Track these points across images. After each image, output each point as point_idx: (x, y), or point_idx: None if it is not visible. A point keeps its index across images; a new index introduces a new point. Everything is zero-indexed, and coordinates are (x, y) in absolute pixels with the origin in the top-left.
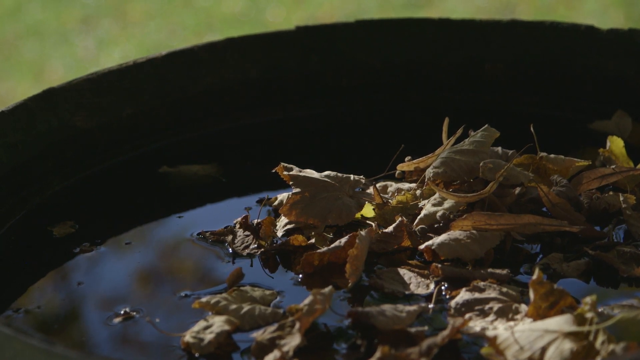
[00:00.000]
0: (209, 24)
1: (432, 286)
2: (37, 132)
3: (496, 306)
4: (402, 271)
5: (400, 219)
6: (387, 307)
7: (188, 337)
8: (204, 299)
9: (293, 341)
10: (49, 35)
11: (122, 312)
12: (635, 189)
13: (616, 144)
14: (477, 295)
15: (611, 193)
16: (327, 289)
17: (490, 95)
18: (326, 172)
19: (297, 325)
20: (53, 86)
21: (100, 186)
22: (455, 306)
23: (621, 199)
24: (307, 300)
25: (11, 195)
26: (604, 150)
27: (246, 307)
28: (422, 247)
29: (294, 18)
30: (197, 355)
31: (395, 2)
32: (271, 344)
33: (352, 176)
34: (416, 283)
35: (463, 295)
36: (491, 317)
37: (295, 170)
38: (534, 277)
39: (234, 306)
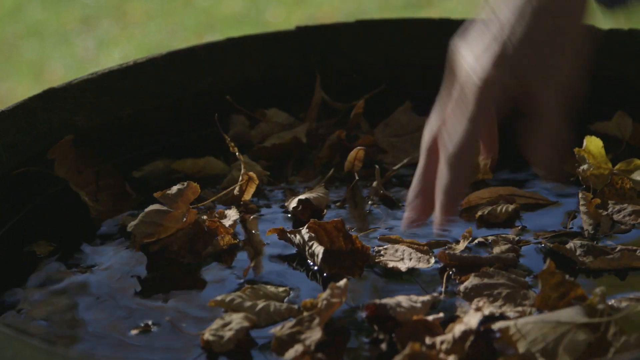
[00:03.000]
0: (209, 24)
1: (432, 261)
2: (37, 132)
3: (505, 292)
4: (402, 247)
5: None
6: (401, 299)
7: (207, 335)
8: (218, 297)
9: (314, 335)
10: (49, 35)
11: (142, 324)
12: (605, 189)
13: (594, 144)
14: (486, 280)
15: (508, 206)
16: (342, 282)
17: None
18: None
19: (317, 319)
20: (53, 86)
21: None
22: (464, 290)
23: (580, 195)
24: (324, 295)
25: (11, 195)
26: (580, 149)
27: (261, 304)
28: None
29: (294, 18)
30: (217, 352)
31: (395, 2)
32: (291, 339)
33: None
34: (417, 258)
35: (472, 280)
36: (500, 302)
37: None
38: (545, 267)
39: (249, 303)
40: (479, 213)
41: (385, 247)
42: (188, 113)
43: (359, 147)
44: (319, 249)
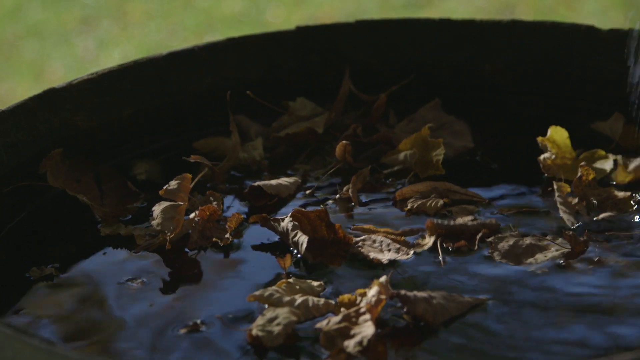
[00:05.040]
0: (209, 24)
1: (411, 252)
2: (38, 132)
3: (531, 241)
4: (379, 238)
5: None
6: (437, 295)
7: (255, 330)
8: (257, 292)
9: (365, 331)
10: (49, 35)
11: (190, 322)
12: (576, 181)
13: (559, 134)
14: (505, 241)
15: (438, 201)
16: (383, 278)
17: (490, 95)
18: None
19: (367, 315)
20: (53, 86)
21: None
22: (499, 254)
23: (555, 187)
24: (372, 292)
25: (12, 194)
26: (543, 139)
27: (299, 299)
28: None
29: (294, 18)
30: (267, 347)
31: (395, 2)
32: (339, 335)
33: None
34: (395, 249)
35: (499, 246)
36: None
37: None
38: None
39: (287, 298)
40: (408, 206)
41: (363, 237)
42: (188, 113)
43: (344, 142)
44: (303, 238)
